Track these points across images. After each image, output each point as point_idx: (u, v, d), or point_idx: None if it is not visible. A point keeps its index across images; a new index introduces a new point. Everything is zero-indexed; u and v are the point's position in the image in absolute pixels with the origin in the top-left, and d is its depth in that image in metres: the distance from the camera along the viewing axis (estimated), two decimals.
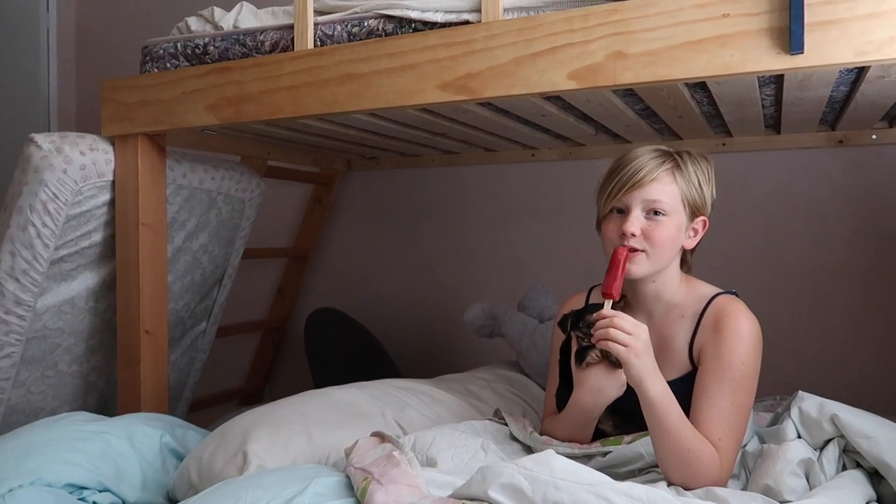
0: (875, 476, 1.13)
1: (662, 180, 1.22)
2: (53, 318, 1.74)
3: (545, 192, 2.36)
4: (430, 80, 1.36)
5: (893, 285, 1.97)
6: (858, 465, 1.15)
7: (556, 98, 1.57)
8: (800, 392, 1.25)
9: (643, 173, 1.21)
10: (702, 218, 1.28)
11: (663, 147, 1.28)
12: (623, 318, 1.13)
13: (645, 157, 1.24)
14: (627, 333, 1.11)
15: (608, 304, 1.19)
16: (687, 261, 1.33)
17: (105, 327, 1.85)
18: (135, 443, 1.34)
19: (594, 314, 1.18)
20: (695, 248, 1.31)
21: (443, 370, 1.91)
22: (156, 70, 1.68)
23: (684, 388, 1.21)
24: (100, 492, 1.23)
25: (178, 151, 1.86)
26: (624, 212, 1.24)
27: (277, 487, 0.98)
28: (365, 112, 1.49)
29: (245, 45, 1.59)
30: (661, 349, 1.26)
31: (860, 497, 1.04)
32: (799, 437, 1.19)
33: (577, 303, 1.40)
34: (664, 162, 1.24)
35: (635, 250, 1.22)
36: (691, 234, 1.28)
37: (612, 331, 1.11)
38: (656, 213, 1.22)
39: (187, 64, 1.65)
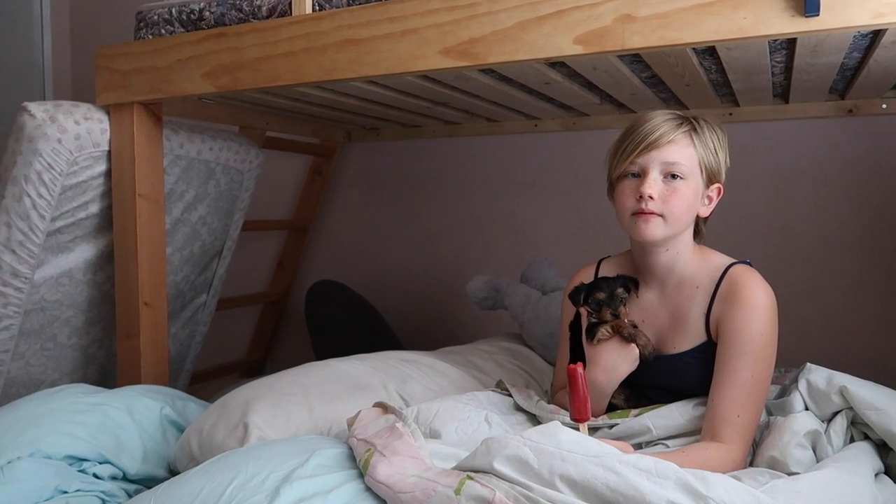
0: (883, 448, 1.13)
1: (680, 142, 1.19)
2: (51, 291, 1.73)
3: (548, 162, 2.33)
4: (431, 45, 1.33)
5: None
6: (866, 437, 1.14)
7: (560, 65, 1.53)
8: (808, 364, 1.24)
9: (659, 133, 1.18)
10: (717, 185, 1.25)
11: (678, 111, 1.25)
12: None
13: (661, 119, 1.20)
14: None
15: (584, 427, 1.10)
16: (700, 231, 1.30)
17: (104, 299, 1.84)
18: (135, 415, 1.33)
19: None
20: (708, 217, 1.28)
21: (444, 342, 1.90)
22: (150, 36, 1.64)
23: (698, 359, 1.20)
24: (100, 463, 1.22)
25: (174, 121, 1.83)
26: (639, 175, 1.20)
27: (279, 459, 0.97)
28: (364, 79, 1.45)
29: (241, 10, 1.54)
30: (675, 321, 1.24)
31: (869, 468, 1.03)
32: (806, 409, 1.17)
33: (587, 276, 1.37)
34: (681, 124, 1.20)
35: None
36: (706, 201, 1.25)
37: None
38: (674, 176, 1.18)
39: (182, 30, 1.61)
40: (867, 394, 1.12)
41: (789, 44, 1.38)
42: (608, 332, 1.25)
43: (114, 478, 1.23)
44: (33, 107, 1.55)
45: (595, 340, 1.25)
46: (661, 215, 1.18)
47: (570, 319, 1.38)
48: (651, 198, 1.17)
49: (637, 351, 1.23)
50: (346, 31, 1.39)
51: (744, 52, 1.39)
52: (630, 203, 1.20)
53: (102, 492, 1.17)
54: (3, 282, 1.63)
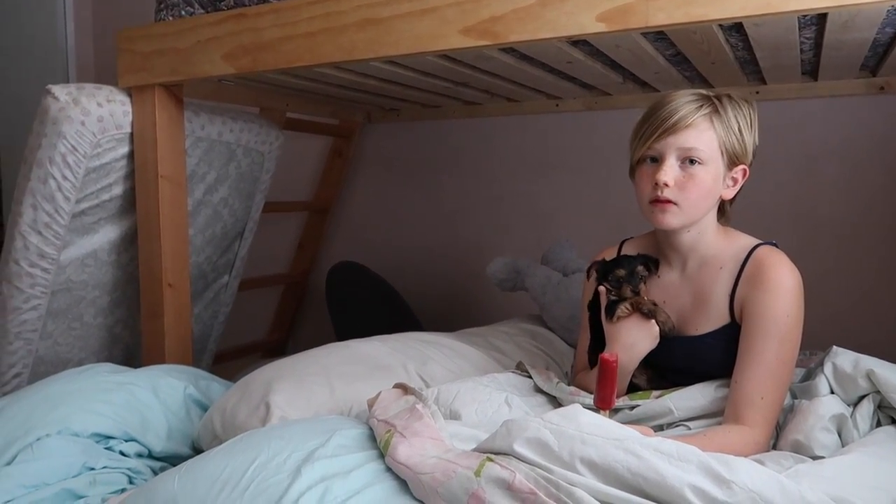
0: None
1: (699, 127, 1.16)
2: (77, 271, 1.75)
3: (569, 143, 2.30)
4: (452, 24, 1.31)
5: None
6: (893, 421, 1.12)
7: (583, 43, 1.51)
8: (834, 347, 1.22)
9: (677, 118, 1.15)
10: (742, 167, 1.22)
11: (702, 91, 1.21)
12: None
13: (680, 101, 1.17)
14: None
15: (605, 411, 1.09)
16: (725, 212, 1.28)
17: (128, 280, 1.86)
18: (159, 394, 1.35)
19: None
20: (734, 198, 1.26)
21: (464, 324, 1.90)
22: (170, 18, 1.64)
23: (721, 341, 1.18)
24: (126, 441, 1.24)
25: (195, 103, 1.83)
26: (657, 160, 1.18)
27: (300, 439, 0.98)
28: (384, 59, 1.44)
29: None
30: (697, 302, 1.23)
31: None
32: (832, 392, 1.16)
33: (609, 258, 1.36)
34: (701, 106, 1.17)
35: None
36: (730, 183, 1.22)
37: None
38: (692, 161, 1.16)
39: (202, 11, 1.60)
40: (895, 377, 1.10)
41: (819, 19, 1.34)
42: (628, 309, 1.24)
43: (139, 455, 1.25)
44: (57, 89, 1.57)
45: (615, 318, 1.24)
46: (676, 203, 1.16)
47: (589, 299, 1.37)
48: (666, 185, 1.15)
49: (657, 328, 1.22)
50: (365, 11, 1.38)
51: (772, 28, 1.36)
52: (647, 189, 1.19)
53: (129, 469, 1.20)
54: (30, 263, 1.66)
